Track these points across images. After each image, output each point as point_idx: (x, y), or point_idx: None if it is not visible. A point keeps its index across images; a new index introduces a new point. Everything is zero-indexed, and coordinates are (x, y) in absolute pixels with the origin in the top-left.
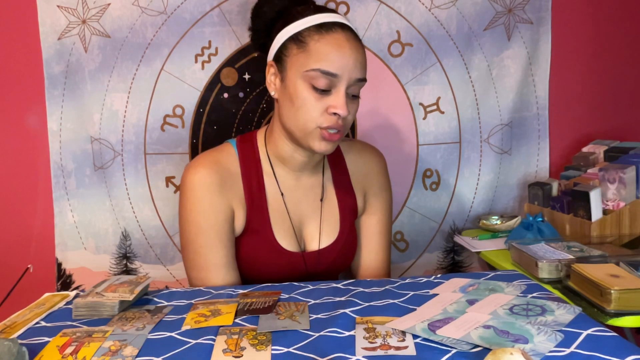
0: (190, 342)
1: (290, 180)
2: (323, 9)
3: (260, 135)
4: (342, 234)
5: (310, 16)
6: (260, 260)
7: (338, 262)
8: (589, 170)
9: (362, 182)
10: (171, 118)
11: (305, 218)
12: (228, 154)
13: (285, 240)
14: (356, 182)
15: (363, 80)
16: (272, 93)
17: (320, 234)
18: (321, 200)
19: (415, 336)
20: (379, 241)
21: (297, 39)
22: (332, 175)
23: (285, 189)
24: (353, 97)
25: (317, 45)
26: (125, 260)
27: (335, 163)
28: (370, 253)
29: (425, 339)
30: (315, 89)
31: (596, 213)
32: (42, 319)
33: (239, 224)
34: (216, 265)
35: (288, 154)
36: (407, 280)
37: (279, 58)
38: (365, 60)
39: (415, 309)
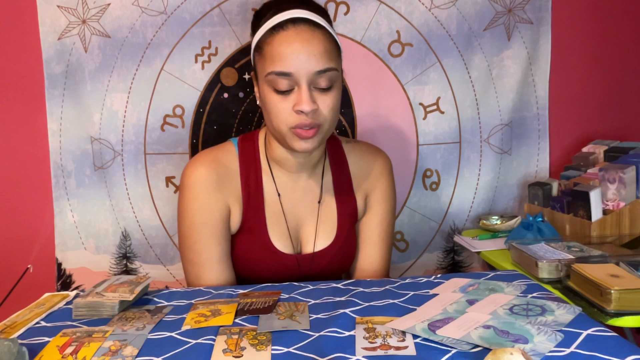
0: (190, 342)
1: (289, 181)
2: (283, 8)
3: (261, 134)
4: (339, 238)
5: (267, 21)
6: (254, 260)
7: (333, 265)
8: (589, 170)
9: (364, 185)
10: (171, 118)
11: (302, 220)
12: (228, 152)
13: (280, 242)
14: (358, 185)
15: (326, 70)
16: (258, 102)
17: (316, 237)
18: (319, 202)
19: (415, 336)
20: (377, 245)
21: (257, 47)
22: (333, 178)
23: (283, 190)
24: (324, 90)
25: (268, 48)
26: (125, 260)
27: (337, 165)
28: (368, 257)
29: (425, 339)
30: (277, 91)
31: (596, 213)
32: (42, 319)
33: (235, 222)
34: (210, 262)
35: (282, 156)
36: (407, 280)
37: (254, 69)
38: (327, 47)
39: (415, 309)
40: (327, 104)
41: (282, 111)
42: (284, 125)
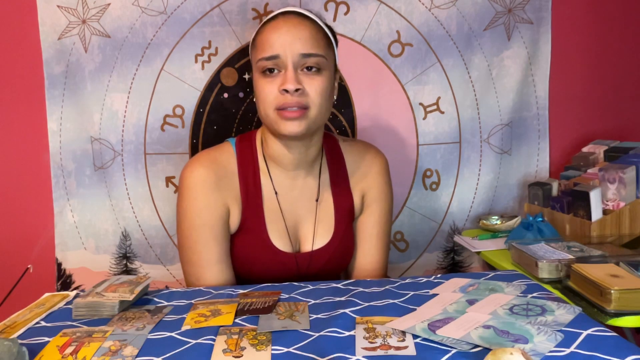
0: (190, 342)
1: (286, 180)
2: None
3: (258, 134)
4: (336, 236)
5: (264, 20)
6: (254, 259)
7: (331, 264)
8: (589, 170)
9: (361, 183)
10: (171, 118)
11: (301, 219)
12: (226, 152)
13: (279, 241)
14: (355, 183)
15: (312, 55)
16: (255, 99)
17: (314, 235)
18: (316, 200)
19: (415, 336)
20: (375, 244)
21: (252, 42)
22: (330, 176)
23: (281, 188)
24: (311, 73)
25: (259, 37)
26: (125, 260)
27: (334, 163)
28: (366, 255)
29: (425, 339)
30: (265, 75)
31: (596, 213)
32: (42, 319)
33: (234, 222)
34: (210, 262)
35: (279, 152)
36: (407, 280)
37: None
38: (314, 35)
39: (415, 309)
40: (314, 87)
41: (269, 94)
42: (270, 108)
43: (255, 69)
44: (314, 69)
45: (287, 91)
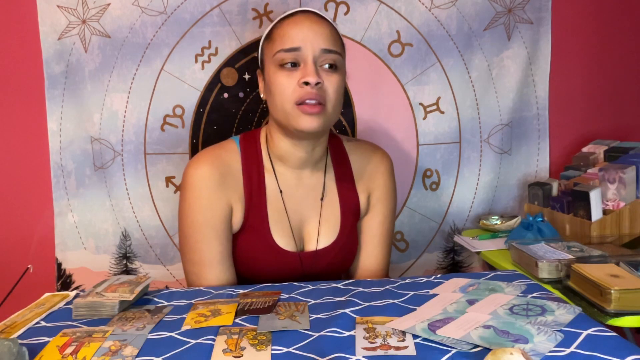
0: (190, 342)
1: (291, 179)
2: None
3: (262, 132)
4: (342, 236)
5: (280, 16)
6: (257, 258)
7: (335, 263)
8: (589, 170)
9: (367, 183)
10: (171, 118)
11: (305, 217)
12: (230, 150)
13: (282, 239)
14: (360, 183)
15: (332, 51)
16: (262, 96)
17: (319, 234)
18: (321, 199)
19: (415, 336)
20: (379, 245)
21: (267, 37)
22: (335, 175)
23: (286, 187)
24: (329, 70)
25: (278, 31)
26: (125, 260)
27: (339, 162)
28: (369, 257)
29: (425, 339)
30: (284, 68)
31: (596, 213)
32: (42, 319)
33: (237, 220)
34: (211, 261)
35: (286, 150)
36: (407, 280)
37: (262, 62)
38: (333, 33)
39: (415, 309)
40: (332, 83)
41: (288, 87)
42: (288, 103)
43: (272, 62)
44: (332, 66)
45: (307, 84)
